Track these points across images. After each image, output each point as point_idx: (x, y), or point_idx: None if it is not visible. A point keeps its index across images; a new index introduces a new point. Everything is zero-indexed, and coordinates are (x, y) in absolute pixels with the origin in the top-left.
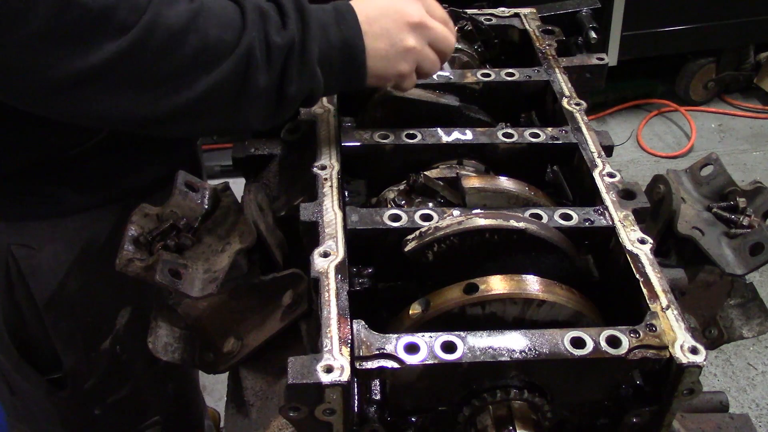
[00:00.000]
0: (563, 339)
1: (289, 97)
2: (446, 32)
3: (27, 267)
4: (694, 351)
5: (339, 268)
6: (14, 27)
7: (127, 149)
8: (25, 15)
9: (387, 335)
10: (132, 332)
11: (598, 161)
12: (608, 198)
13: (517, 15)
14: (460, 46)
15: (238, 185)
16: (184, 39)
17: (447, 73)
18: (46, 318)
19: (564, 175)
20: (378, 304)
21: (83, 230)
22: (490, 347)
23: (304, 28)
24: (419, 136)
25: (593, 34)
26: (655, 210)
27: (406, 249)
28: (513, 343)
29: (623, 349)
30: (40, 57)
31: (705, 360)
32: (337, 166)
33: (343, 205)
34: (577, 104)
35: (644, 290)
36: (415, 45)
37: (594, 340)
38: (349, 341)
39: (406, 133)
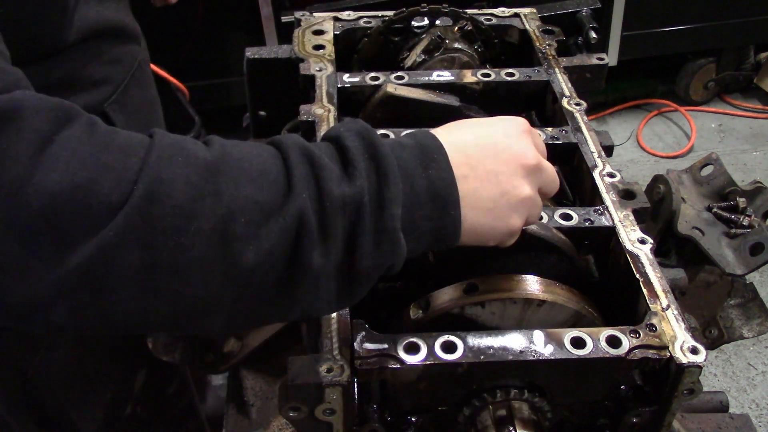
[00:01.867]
0: (563, 339)
1: (362, 276)
2: (554, 173)
3: (43, 368)
4: (694, 351)
5: None
6: None
7: None
8: None
9: (387, 335)
10: (150, 391)
11: (598, 161)
12: (608, 198)
13: (517, 15)
14: (460, 46)
15: None
16: (199, 208)
17: (447, 73)
18: (68, 406)
19: (564, 175)
20: (378, 304)
21: None
22: (490, 347)
23: (380, 176)
24: None
25: (593, 34)
26: (655, 210)
27: None
28: (513, 343)
29: (623, 349)
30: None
31: (705, 360)
32: None
33: None
34: (577, 104)
35: (644, 290)
36: (530, 194)
37: (594, 340)
38: (349, 341)
39: (406, 133)
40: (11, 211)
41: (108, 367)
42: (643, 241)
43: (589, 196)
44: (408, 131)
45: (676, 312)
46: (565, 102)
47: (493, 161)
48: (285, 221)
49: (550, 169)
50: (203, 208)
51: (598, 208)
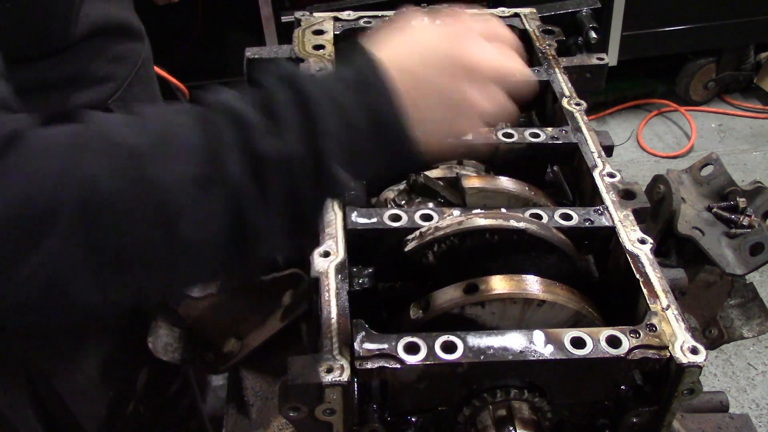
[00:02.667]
0: (563, 339)
1: (308, 215)
2: (517, 66)
3: (47, 366)
4: (694, 351)
5: (339, 268)
6: None
7: None
8: None
9: (387, 335)
10: (152, 390)
11: (598, 161)
12: (608, 198)
13: (517, 15)
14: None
15: None
16: (135, 195)
17: None
18: (71, 403)
19: (564, 175)
20: (378, 304)
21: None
22: (490, 347)
23: (308, 122)
24: None
25: (593, 34)
26: (655, 210)
27: (406, 249)
28: (513, 343)
29: (623, 349)
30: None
31: (705, 360)
32: None
33: (343, 205)
34: (577, 104)
35: (644, 290)
36: (476, 95)
37: (594, 340)
38: (349, 341)
39: None
40: None
41: (110, 366)
42: (643, 241)
43: (589, 196)
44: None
45: (676, 312)
46: (565, 102)
47: (434, 72)
48: (221, 190)
49: (505, 63)
50: (136, 197)
51: (598, 208)
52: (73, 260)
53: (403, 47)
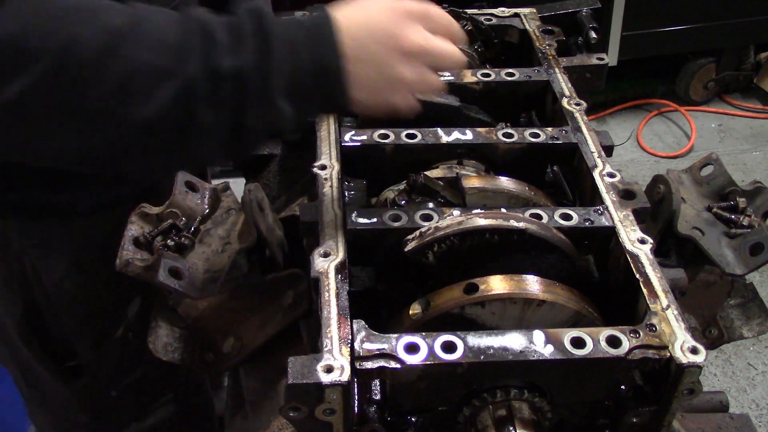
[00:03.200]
0: (563, 339)
1: (247, 134)
2: (449, 52)
3: (41, 266)
4: (694, 351)
5: (339, 268)
6: None
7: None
8: None
9: (387, 335)
10: (143, 319)
11: (598, 161)
12: (608, 198)
13: (517, 15)
14: (460, 46)
15: (238, 185)
16: (104, 65)
17: (447, 73)
18: (61, 312)
19: (564, 175)
20: (378, 304)
21: (94, 230)
22: (490, 347)
23: (264, 51)
24: (419, 136)
25: (593, 34)
26: (655, 210)
27: (407, 249)
28: (513, 343)
29: (623, 349)
30: None
31: (705, 360)
32: (337, 166)
33: (343, 205)
34: (577, 104)
35: (644, 290)
36: (409, 76)
37: (594, 340)
38: (349, 341)
39: (406, 133)
40: None
41: (104, 283)
42: (643, 241)
43: (589, 196)
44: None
45: (676, 312)
46: (565, 102)
47: (376, 46)
48: (178, 85)
49: (441, 48)
50: (106, 66)
51: (598, 208)
52: (43, 99)
53: (357, 19)
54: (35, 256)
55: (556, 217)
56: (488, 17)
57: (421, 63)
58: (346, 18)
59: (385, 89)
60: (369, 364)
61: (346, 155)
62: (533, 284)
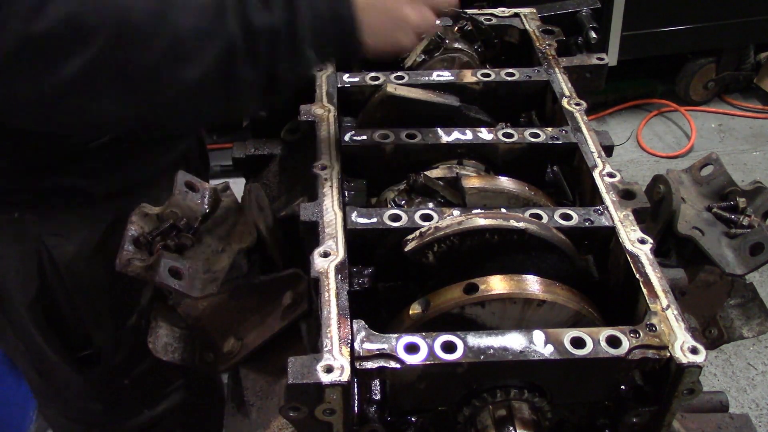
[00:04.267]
0: (563, 339)
1: (281, 82)
2: None
3: (58, 254)
4: (694, 351)
5: (339, 268)
6: None
7: (140, 139)
8: None
9: (387, 335)
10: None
11: (598, 161)
12: (608, 198)
13: (517, 15)
14: (460, 46)
15: (238, 185)
16: (155, 32)
17: (447, 73)
18: (77, 300)
19: (564, 175)
20: (378, 304)
21: (109, 217)
22: (490, 347)
23: (291, 7)
24: (419, 136)
25: (593, 34)
26: (655, 210)
27: (407, 249)
28: (513, 343)
29: (623, 349)
30: (16, 76)
31: (705, 360)
32: (337, 166)
33: (343, 205)
34: (577, 104)
35: (644, 290)
36: (413, 16)
37: (594, 340)
38: (349, 341)
39: (406, 133)
40: (28, 27)
41: (118, 281)
42: (643, 241)
43: (589, 196)
44: None
45: (676, 312)
46: (565, 102)
47: None
48: (220, 45)
49: None
50: (156, 32)
51: (598, 208)
52: (104, 70)
53: None
54: (52, 245)
55: (556, 217)
56: (488, 17)
57: (422, 3)
58: None
59: (393, 31)
60: (369, 364)
61: (346, 155)
62: (533, 284)
